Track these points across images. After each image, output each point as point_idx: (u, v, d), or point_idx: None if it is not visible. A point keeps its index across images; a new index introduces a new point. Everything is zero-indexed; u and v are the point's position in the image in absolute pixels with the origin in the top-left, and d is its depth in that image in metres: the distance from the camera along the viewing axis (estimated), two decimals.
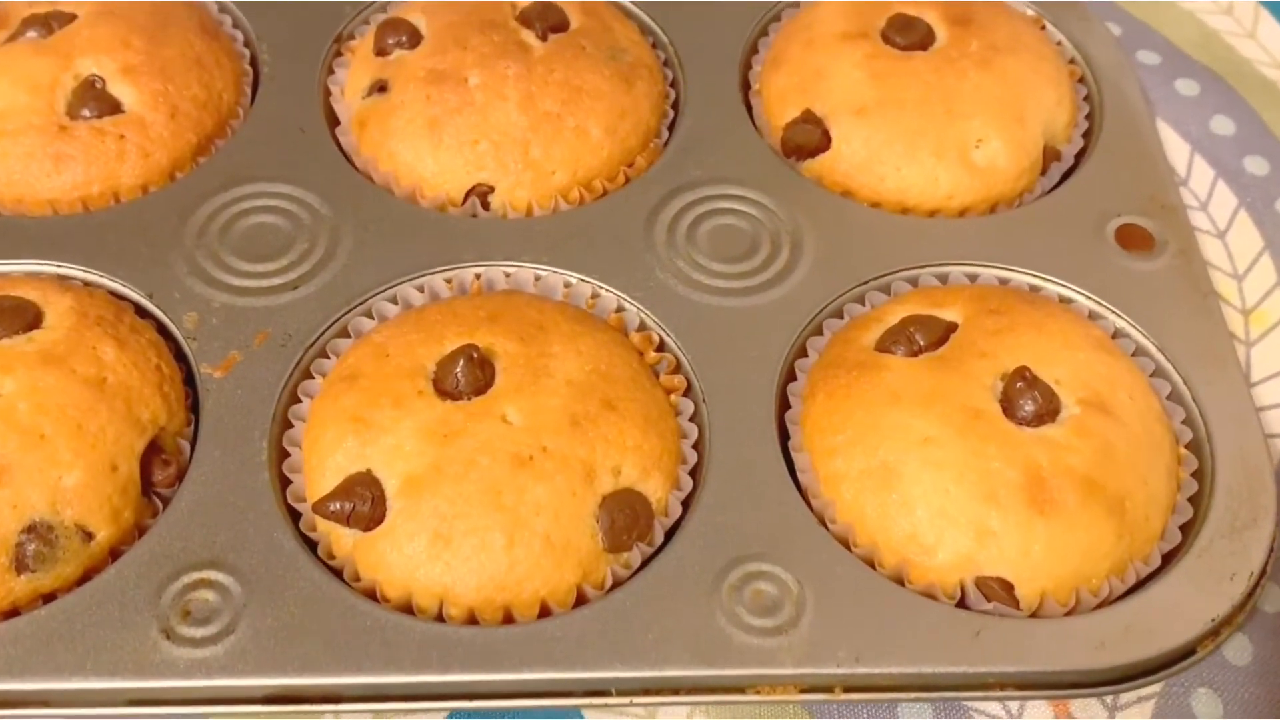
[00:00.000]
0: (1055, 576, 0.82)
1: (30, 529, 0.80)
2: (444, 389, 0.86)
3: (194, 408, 0.90)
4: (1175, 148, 1.18)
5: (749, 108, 1.10)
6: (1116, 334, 0.96)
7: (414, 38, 1.06)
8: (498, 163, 1.00)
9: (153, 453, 0.86)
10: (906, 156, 1.02)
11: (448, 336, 0.89)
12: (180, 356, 0.92)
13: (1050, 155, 1.06)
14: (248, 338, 0.92)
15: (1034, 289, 0.98)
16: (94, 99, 1.01)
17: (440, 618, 0.81)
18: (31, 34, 1.05)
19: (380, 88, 1.04)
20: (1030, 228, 1.01)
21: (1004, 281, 0.98)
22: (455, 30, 1.04)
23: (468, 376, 0.86)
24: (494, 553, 0.81)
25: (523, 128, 1.01)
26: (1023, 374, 0.86)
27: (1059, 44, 1.15)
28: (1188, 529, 0.86)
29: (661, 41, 1.14)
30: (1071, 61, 1.13)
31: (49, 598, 0.81)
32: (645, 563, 0.84)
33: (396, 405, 0.85)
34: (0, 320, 0.86)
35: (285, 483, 0.87)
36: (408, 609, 0.81)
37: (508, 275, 0.97)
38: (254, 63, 1.11)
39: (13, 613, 0.80)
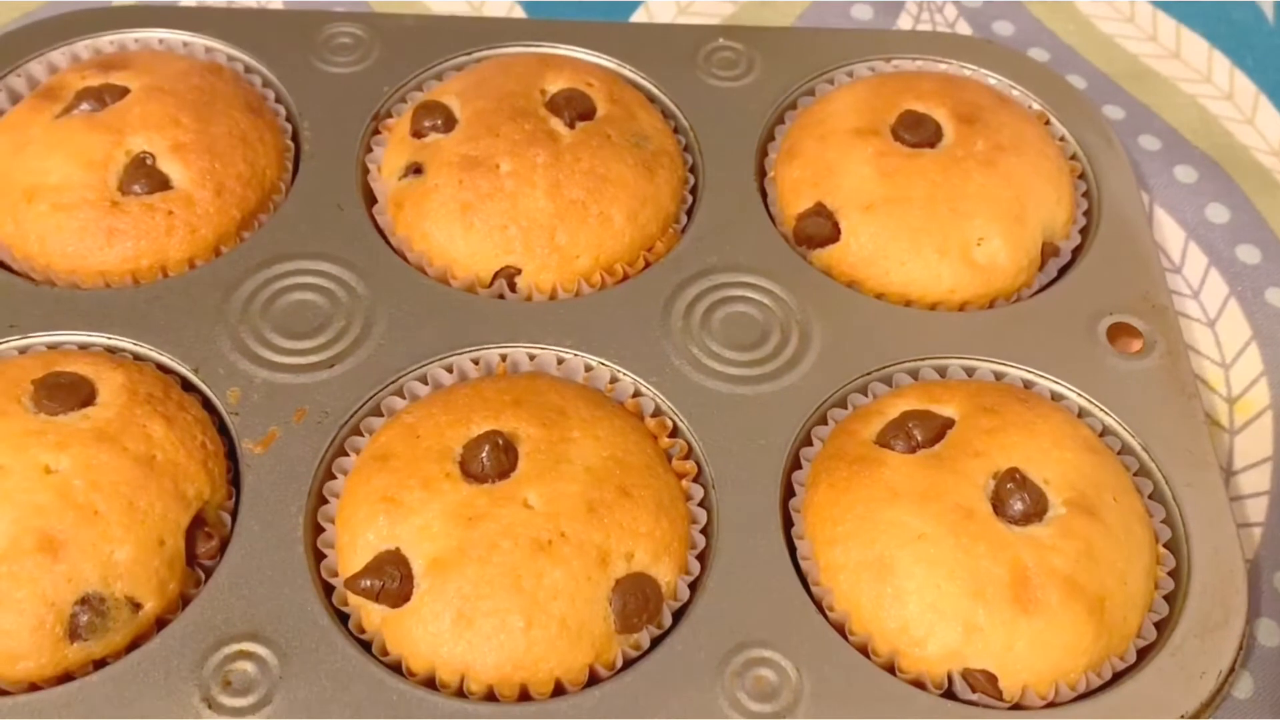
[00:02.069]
0: (1036, 671, 0.87)
1: (83, 600, 0.86)
2: (470, 472, 0.92)
3: (235, 480, 0.96)
4: (1172, 234, 1.23)
5: (763, 192, 1.15)
6: (1104, 431, 1.01)
7: (449, 121, 1.11)
8: (525, 247, 1.06)
9: (196, 526, 0.92)
10: (911, 252, 1.07)
11: (474, 419, 0.95)
12: (223, 429, 0.98)
13: (1049, 251, 1.11)
14: (287, 414, 0.98)
15: (1028, 385, 1.03)
16: (145, 175, 1.06)
17: (461, 692, 0.87)
18: (85, 107, 1.10)
19: (416, 170, 1.09)
20: (1026, 324, 1.06)
21: (999, 377, 1.04)
22: (487, 117, 1.10)
23: (492, 461, 0.91)
24: (513, 634, 0.86)
25: (549, 214, 1.06)
26: (1013, 475, 0.92)
27: (1061, 139, 1.20)
28: (1163, 626, 0.92)
29: (682, 126, 1.19)
30: (1073, 157, 1.19)
31: (99, 664, 0.87)
32: (654, 644, 0.90)
33: (425, 487, 0.91)
34: (58, 397, 0.92)
35: (319, 557, 0.93)
36: (431, 683, 0.87)
37: (532, 358, 1.03)
38: (295, 137, 1.16)
39: (66, 678, 0.86)
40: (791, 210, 1.12)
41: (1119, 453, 0.99)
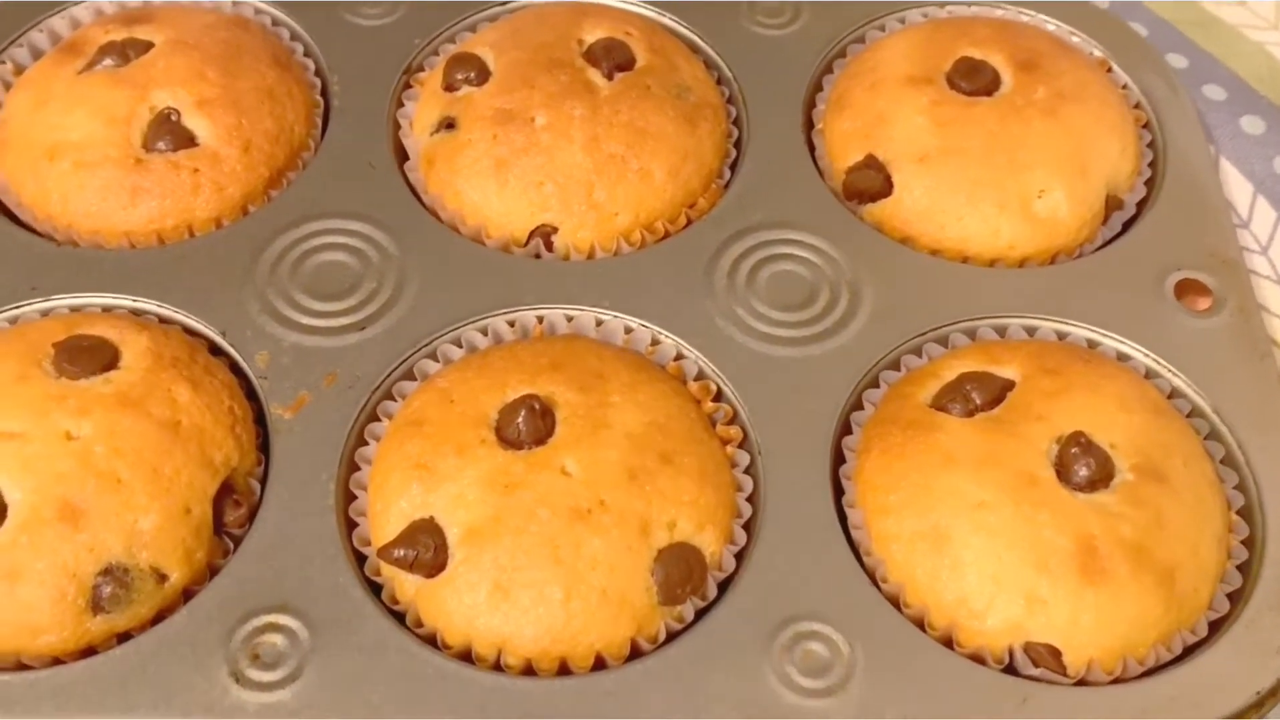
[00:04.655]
0: (1103, 645, 0.83)
1: (106, 571, 0.83)
2: (506, 438, 0.88)
3: (264, 446, 0.93)
4: (1238, 188, 1.18)
5: (811, 145, 1.11)
6: (1173, 394, 0.96)
7: (482, 74, 1.07)
8: (562, 204, 1.02)
9: (224, 494, 0.88)
10: (968, 206, 1.02)
11: (510, 384, 0.91)
12: (251, 394, 0.95)
13: (1112, 204, 1.06)
14: (317, 378, 0.94)
15: (1092, 344, 0.99)
16: (169, 132, 1.03)
17: (498, 666, 0.84)
18: (108, 62, 1.07)
19: (448, 125, 1.05)
20: (1090, 280, 1.01)
21: (1062, 336, 0.99)
22: (523, 68, 1.06)
23: (529, 427, 0.88)
24: (552, 606, 0.83)
25: (587, 170, 1.02)
26: (1078, 439, 0.87)
27: (1125, 88, 1.14)
28: (1236, 598, 0.87)
29: (726, 78, 1.15)
30: (1136, 106, 1.13)
31: (123, 636, 0.84)
32: (699, 616, 0.86)
33: (460, 454, 0.87)
34: (79, 360, 0.89)
35: (351, 525, 0.89)
36: (467, 656, 0.84)
37: (570, 319, 0.99)
38: (324, 92, 1.13)
39: (89, 651, 0.83)
40: (841, 163, 1.07)
41: (1189, 415, 0.95)
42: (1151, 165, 1.10)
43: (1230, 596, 0.87)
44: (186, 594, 0.86)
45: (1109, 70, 1.16)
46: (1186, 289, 1.02)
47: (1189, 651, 0.85)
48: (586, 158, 1.02)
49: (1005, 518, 0.84)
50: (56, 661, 0.83)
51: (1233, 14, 1.35)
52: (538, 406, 0.88)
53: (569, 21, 1.11)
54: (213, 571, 0.87)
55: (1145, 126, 1.12)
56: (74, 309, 0.98)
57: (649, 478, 0.87)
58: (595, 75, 1.07)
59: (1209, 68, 1.28)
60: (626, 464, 0.87)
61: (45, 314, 0.98)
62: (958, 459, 0.87)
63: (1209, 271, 1.02)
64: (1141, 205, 1.08)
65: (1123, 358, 0.98)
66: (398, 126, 1.10)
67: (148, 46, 1.08)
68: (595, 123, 1.03)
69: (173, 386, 0.89)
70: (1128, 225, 1.06)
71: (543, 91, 1.04)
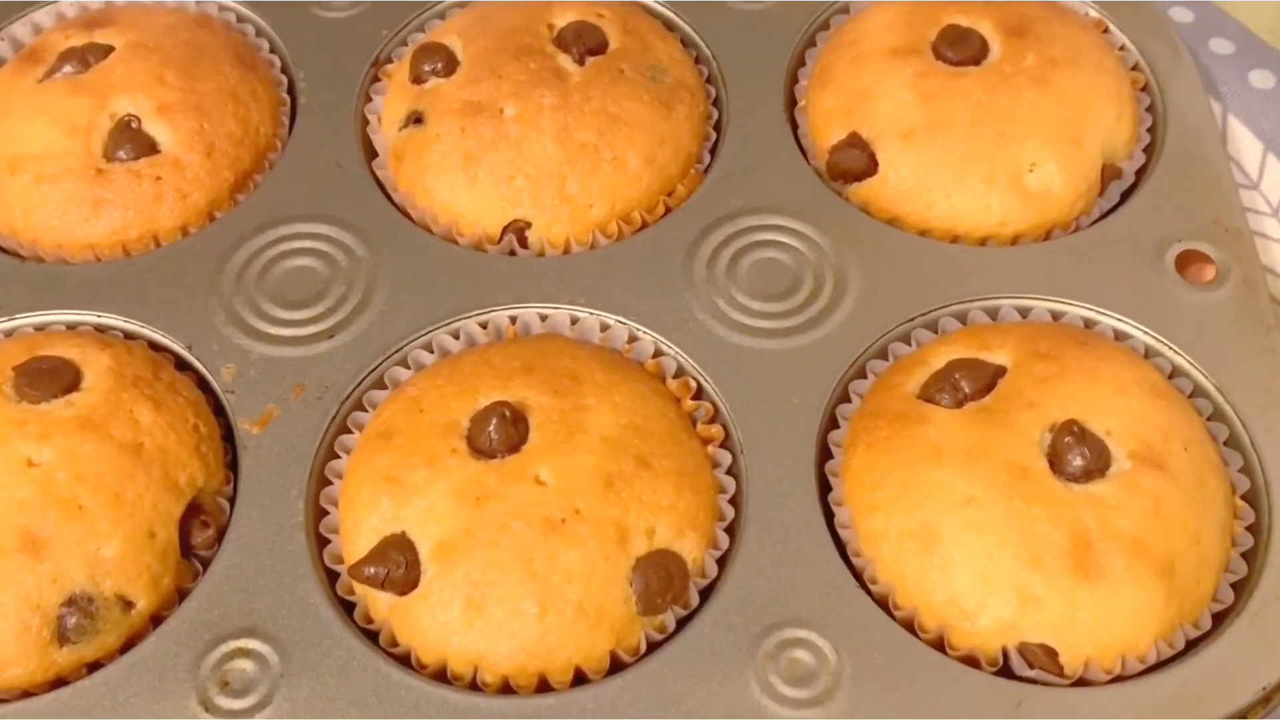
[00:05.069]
0: (1100, 643, 0.80)
1: (70, 601, 0.81)
2: (477, 447, 0.86)
3: (232, 463, 0.90)
4: (1247, 146, 1.13)
5: (794, 124, 1.07)
6: (1174, 372, 0.92)
7: (450, 64, 1.04)
8: (534, 198, 0.99)
9: (191, 515, 0.86)
10: (956, 182, 0.98)
11: (481, 390, 0.88)
12: (219, 410, 0.92)
13: (1110, 174, 1.01)
14: (284, 391, 0.92)
15: (1088, 324, 0.95)
16: (130, 140, 1.00)
17: (475, 684, 0.81)
18: (68, 69, 1.04)
19: (416, 119, 1.02)
20: (1086, 256, 0.97)
21: (1057, 317, 0.95)
22: (491, 57, 1.02)
23: (500, 435, 0.85)
24: (526, 621, 0.80)
25: (559, 161, 0.99)
26: (1071, 427, 0.83)
27: (1121, 49, 1.09)
28: (1241, 588, 0.84)
29: (705, 55, 1.11)
30: (1134, 68, 1.08)
31: (94, 666, 0.82)
32: (680, 625, 0.83)
33: (429, 465, 0.85)
34: (40, 383, 0.87)
35: (323, 542, 0.87)
36: (443, 675, 0.82)
37: (544, 318, 0.96)
38: (291, 89, 1.10)
39: (59, 683, 0.81)
40: (824, 142, 1.03)
41: (1190, 396, 0.91)
42: (1151, 131, 1.05)
43: (1235, 586, 0.84)
44: (156, 620, 0.84)
45: (1105, 31, 1.11)
46: (1189, 261, 0.97)
47: (1192, 646, 0.82)
48: (558, 148, 0.99)
49: (995, 513, 0.81)
50: (26, 694, 0.81)
51: None
52: (509, 414, 0.86)
53: (539, 5, 1.07)
54: (182, 595, 0.85)
55: (1144, 89, 1.07)
56: (38, 328, 0.96)
57: (626, 484, 0.84)
58: (566, 61, 1.03)
59: (1216, 20, 1.23)
60: (602, 470, 0.84)
61: (9, 334, 0.96)
62: (946, 452, 0.84)
63: (1212, 241, 0.97)
64: (1140, 174, 1.03)
65: (1121, 336, 0.94)
66: (366, 122, 1.07)
67: (108, 51, 1.05)
68: (566, 111, 1.00)
69: (134, 407, 0.87)
70: (1126, 195, 1.02)
71: (511, 81, 1.01)
